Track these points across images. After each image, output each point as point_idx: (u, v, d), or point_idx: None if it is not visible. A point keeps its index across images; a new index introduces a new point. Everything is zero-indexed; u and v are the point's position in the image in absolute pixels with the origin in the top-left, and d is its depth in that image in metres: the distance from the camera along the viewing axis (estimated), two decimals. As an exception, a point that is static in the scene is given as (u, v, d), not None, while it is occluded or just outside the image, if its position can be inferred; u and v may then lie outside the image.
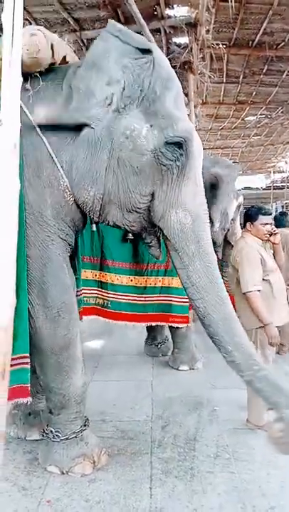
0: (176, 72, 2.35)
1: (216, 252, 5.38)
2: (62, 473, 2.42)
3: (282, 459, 2.56)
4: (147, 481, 2.37)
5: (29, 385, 2.22)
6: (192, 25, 5.62)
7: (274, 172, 21.25)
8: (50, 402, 2.46)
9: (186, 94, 6.21)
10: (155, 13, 5.58)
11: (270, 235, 2.98)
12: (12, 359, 1.98)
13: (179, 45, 6.06)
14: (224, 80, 8.56)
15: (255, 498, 2.22)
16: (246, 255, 2.86)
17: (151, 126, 2.13)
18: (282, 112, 10.84)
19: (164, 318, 3.92)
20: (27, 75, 2.14)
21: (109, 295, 3.81)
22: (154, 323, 4.05)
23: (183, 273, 2.26)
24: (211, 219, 2.45)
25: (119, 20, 5.64)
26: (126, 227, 2.38)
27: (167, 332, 4.48)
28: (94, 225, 2.74)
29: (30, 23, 5.61)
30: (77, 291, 2.84)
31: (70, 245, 2.42)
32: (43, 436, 2.59)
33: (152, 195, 2.23)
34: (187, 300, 3.06)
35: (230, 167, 5.02)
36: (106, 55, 2.17)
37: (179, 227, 2.22)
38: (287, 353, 4.41)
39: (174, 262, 2.32)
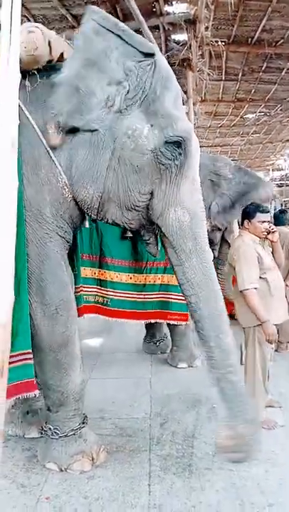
0: (174, 69, 2.35)
1: (212, 250, 5.43)
2: (61, 470, 2.42)
3: (280, 456, 2.57)
4: (146, 478, 2.38)
5: (34, 379, 2.23)
6: (191, 22, 5.61)
7: (273, 170, 21.27)
8: (49, 399, 2.46)
9: (185, 92, 6.21)
10: (154, 9, 5.57)
11: (268, 233, 2.98)
12: (13, 356, 2.00)
13: (177, 42, 6.05)
14: (223, 78, 8.56)
15: (253, 496, 2.23)
16: (243, 253, 2.87)
17: (151, 125, 2.15)
18: (281, 110, 10.85)
19: (162, 316, 3.92)
20: (24, 72, 2.13)
21: (108, 293, 3.81)
22: (152, 321, 4.06)
23: (179, 269, 2.31)
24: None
25: (117, 17, 5.64)
26: (125, 224, 2.40)
27: (166, 330, 4.48)
28: (86, 222, 2.73)
29: (29, 20, 5.60)
30: (76, 288, 2.84)
31: (68, 242, 2.42)
32: (41, 434, 2.60)
33: (151, 193, 2.25)
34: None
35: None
36: (107, 54, 2.13)
37: (178, 225, 2.25)
38: (286, 351, 4.42)
39: (171, 258, 2.35)
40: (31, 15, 5.68)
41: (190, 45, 5.89)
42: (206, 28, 5.73)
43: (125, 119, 2.14)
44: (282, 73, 8.28)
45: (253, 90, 9.43)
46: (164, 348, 4.52)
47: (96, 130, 2.15)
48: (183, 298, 2.43)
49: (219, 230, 4.74)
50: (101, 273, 3.81)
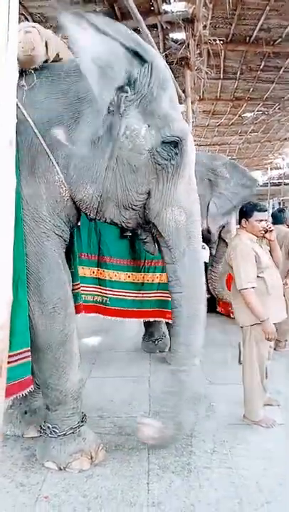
0: (172, 68, 2.35)
1: (210, 248, 5.41)
2: (60, 469, 2.42)
3: (279, 454, 2.58)
4: (145, 477, 2.38)
5: (30, 375, 2.24)
6: (189, 21, 5.61)
7: (271, 169, 21.27)
8: (47, 398, 2.46)
9: (183, 91, 6.22)
10: (152, 8, 5.57)
11: (266, 232, 2.98)
12: (12, 355, 1.99)
13: (175, 41, 6.05)
14: (221, 76, 8.55)
15: (252, 494, 2.23)
16: (240, 252, 2.87)
17: (148, 126, 2.17)
18: (279, 109, 10.85)
19: (161, 315, 3.92)
20: (21, 72, 2.14)
21: (107, 292, 3.81)
22: (151, 319, 4.06)
23: (170, 268, 2.36)
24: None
25: (115, 16, 5.64)
26: (122, 224, 2.41)
27: (164, 328, 4.49)
28: (79, 222, 2.72)
29: (26, 18, 5.59)
30: (74, 285, 2.84)
31: (65, 241, 2.43)
32: (40, 433, 2.60)
33: (148, 193, 2.27)
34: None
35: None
36: (112, 60, 2.06)
37: (174, 225, 2.28)
38: (284, 349, 4.44)
39: (164, 257, 2.40)
40: (29, 13, 5.68)
41: (188, 44, 5.89)
42: (204, 26, 5.73)
43: (124, 120, 2.15)
44: (280, 72, 8.28)
45: (251, 89, 9.43)
46: (162, 347, 4.52)
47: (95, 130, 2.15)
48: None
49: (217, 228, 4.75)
50: (100, 272, 3.81)
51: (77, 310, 2.85)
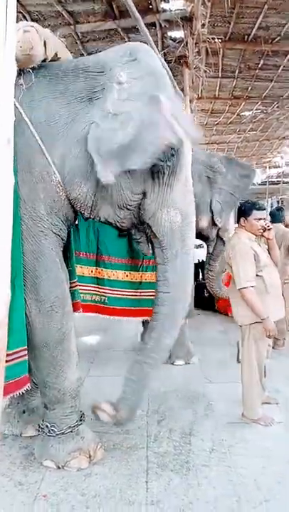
0: (171, 66, 2.35)
1: (208, 246, 5.38)
2: (58, 467, 2.43)
3: (277, 452, 2.59)
4: (143, 475, 2.39)
5: (27, 374, 2.24)
6: (187, 19, 5.61)
7: (269, 167, 21.26)
8: (45, 397, 2.46)
9: (182, 89, 6.21)
10: (150, 6, 5.56)
11: (264, 231, 2.98)
12: (9, 354, 1.99)
13: (174, 40, 6.05)
14: (220, 75, 8.53)
15: (250, 492, 2.24)
16: (239, 251, 2.87)
17: None
18: (277, 107, 10.83)
19: (159, 314, 3.92)
20: (19, 71, 2.13)
21: (106, 291, 3.81)
22: (149, 318, 4.05)
23: (161, 268, 2.39)
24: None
25: (114, 14, 5.63)
26: (116, 223, 2.42)
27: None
28: (77, 221, 2.73)
29: (24, 17, 5.58)
30: (71, 283, 2.84)
31: (62, 240, 2.43)
32: (38, 432, 2.60)
33: (144, 193, 2.27)
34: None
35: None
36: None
37: (169, 226, 2.30)
38: (282, 347, 4.45)
39: (156, 257, 2.42)
40: (27, 11, 5.66)
41: (186, 43, 5.88)
42: (203, 25, 5.72)
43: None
44: (279, 70, 8.26)
45: (250, 88, 9.41)
46: (161, 346, 4.51)
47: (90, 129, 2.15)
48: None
49: (215, 225, 4.73)
50: (98, 271, 3.81)
51: (75, 308, 2.85)
